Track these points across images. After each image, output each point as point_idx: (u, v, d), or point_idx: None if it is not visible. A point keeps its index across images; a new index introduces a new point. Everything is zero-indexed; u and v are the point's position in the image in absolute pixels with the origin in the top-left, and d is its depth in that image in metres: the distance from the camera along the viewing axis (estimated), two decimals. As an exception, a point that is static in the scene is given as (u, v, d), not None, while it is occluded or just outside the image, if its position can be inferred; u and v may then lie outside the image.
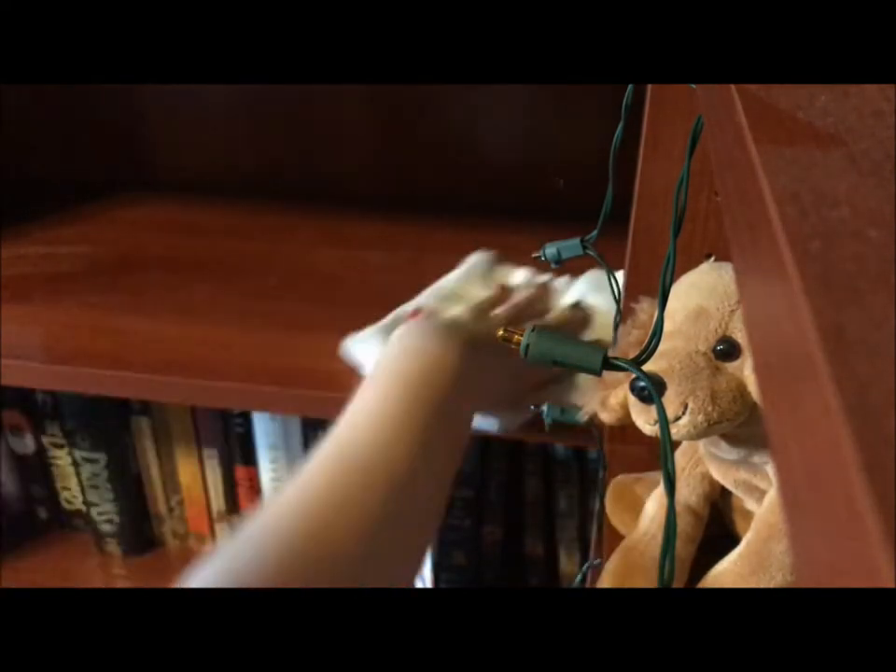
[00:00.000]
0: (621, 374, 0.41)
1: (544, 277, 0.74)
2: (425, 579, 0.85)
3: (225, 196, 0.92)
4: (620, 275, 0.63)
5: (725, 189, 0.22)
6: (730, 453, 0.43)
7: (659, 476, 0.51)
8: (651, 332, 0.31)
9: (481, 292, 0.68)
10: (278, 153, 0.93)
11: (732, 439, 0.42)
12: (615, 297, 0.48)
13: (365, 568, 0.40)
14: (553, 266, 0.49)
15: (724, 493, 0.47)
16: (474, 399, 0.51)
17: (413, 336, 0.50)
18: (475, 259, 0.76)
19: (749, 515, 0.45)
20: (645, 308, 0.45)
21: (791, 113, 0.20)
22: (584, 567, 0.52)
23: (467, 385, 0.49)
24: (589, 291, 0.71)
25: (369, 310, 0.70)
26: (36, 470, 0.94)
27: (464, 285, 0.74)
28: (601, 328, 0.62)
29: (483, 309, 0.59)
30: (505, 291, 0.64)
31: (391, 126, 0.90)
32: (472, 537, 0.87)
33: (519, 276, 0.76)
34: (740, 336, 0.40)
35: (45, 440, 0.91)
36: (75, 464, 0.90)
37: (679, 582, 0.43)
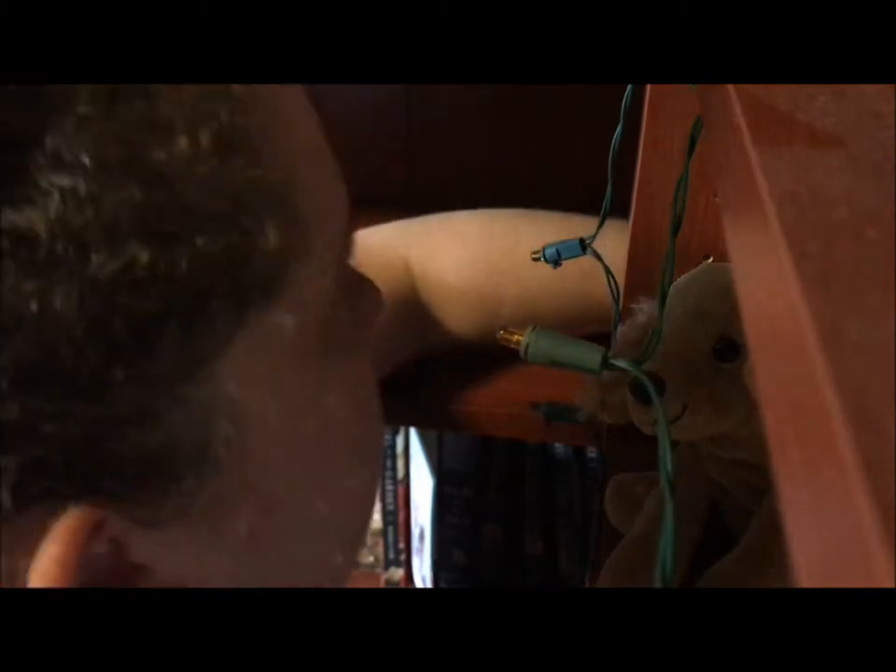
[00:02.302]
0: (620, 374, 0.41)
1: None
2: (425, 578, 0.85)
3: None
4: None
5: (724, 189, 0.22)
6: (729, 452, 0.43)
7: (658, 475, 0.51)
8: (650, 332, 0.31)
9: None
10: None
11: (731, 438, 0.42)
12: (614, 297, 0.48)
13: None
14: (552, 267, 0.49)
15: (724, 492, 0.47)
16: None
17: None
18: None
19: (748, 515, 0.45)
20: (644, 309, 0.45)
21: (789, 114, 0.20)
22: (584, 567, 0.52)
23: None
24: None
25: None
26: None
27: None
28: None
29: None
30: None
31: (392, 125, 0.90)
32: (472, 535, 0.88)
33: None
34: (739, 336, 0.40)
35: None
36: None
37: (678, 582, 0.43)
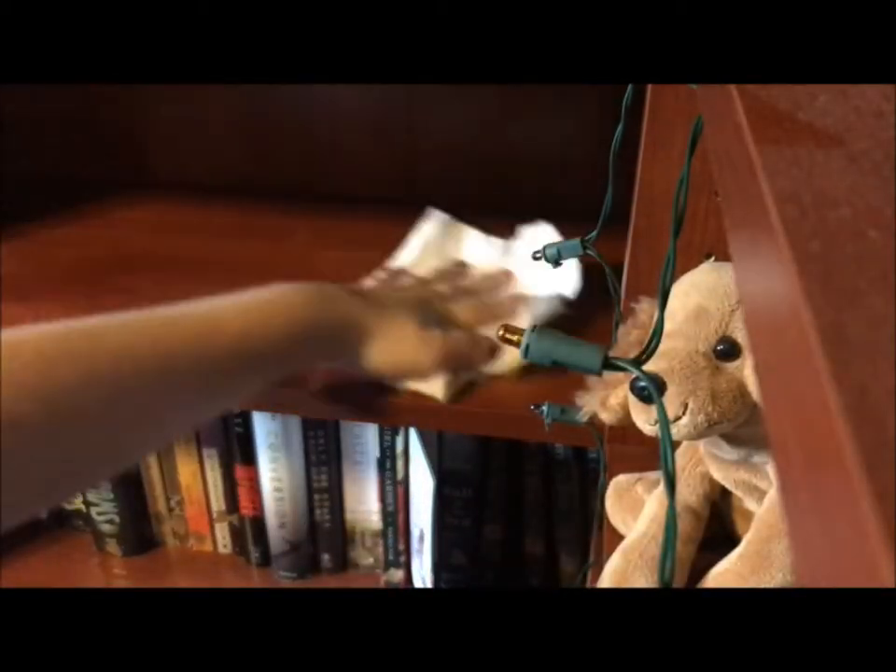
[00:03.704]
0: (621, 374, 0.41)
1: (496, 242, 0.77)
2: (424, 579, 0.85)
3: (225, 196, 0.91)
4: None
5: (725, 189, 0.22)
6: (730, 453, 0.43)
7: (659, 476, 0.51)
8: (651, 332, 0.31)
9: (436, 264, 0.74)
10: (277, 153, 0.93)
11: (732, 439, 0.42)
12: (614, 296, 0.48)
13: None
14: (552, 266, 0.49)
15: (724, 493, 0.47)
16: (317, 356, 0.55)
17: (303, 286, 0.54)
18: (429, 229, 0.78)
19: (749, 515, 0.45)
20: (645, 308, 0.45)
21: (790, 113, 0.20)
22: (584, 568, 0.52)
23: (307, 343, 0.52)
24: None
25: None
26: (36, 470, 0.94)
27: (420, 259, 0.76)
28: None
29: (425, 281, 0.66)
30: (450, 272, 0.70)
31: (391, 126, 0.90)
32: (472, 536, 0.87)
33: (474, 241, 0.78)
34: (740, 336, 0.40)
35: (45, 439, 0.91)
36: (75, 464, 0.90)
37: (679, 582, 0.43)
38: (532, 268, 0.70)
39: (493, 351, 0.61)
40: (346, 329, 0.54)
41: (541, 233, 0.74)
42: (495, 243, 0.77)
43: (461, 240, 0.78)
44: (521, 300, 0.66)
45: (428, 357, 0.57)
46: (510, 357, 0.61)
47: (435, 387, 0.60)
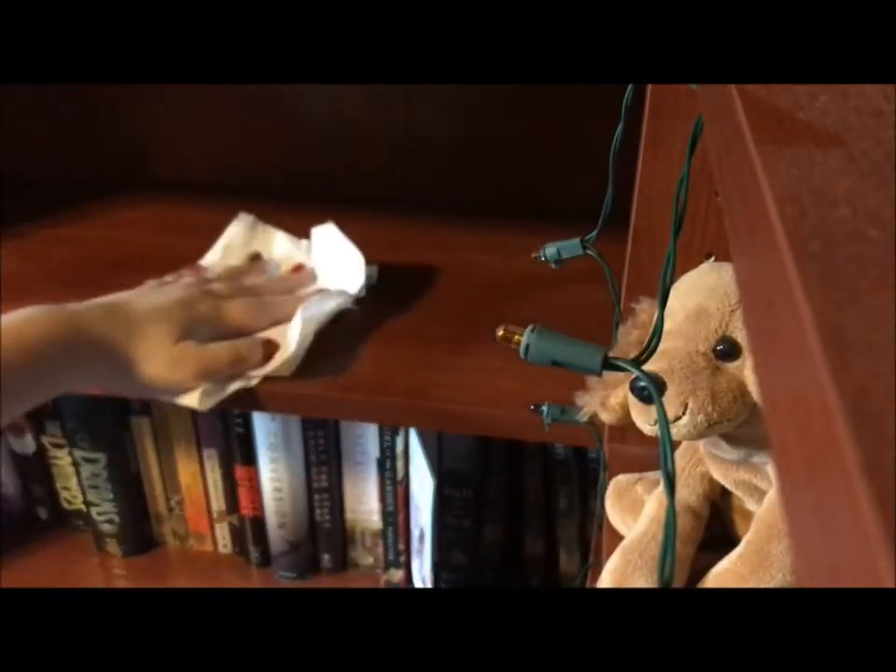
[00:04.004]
0: (621, 374, 0.41)
1: (303, 243, 0.78)
2: (424, 579, 0.85)
3: (225, 196, 0.91)
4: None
5: (725, 189, 0.22)
6: (730, 453, 0.43)
7: (659, 476, 0.51)
8: (651, 332, 0.31)
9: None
10: (277, 153, 0.93)
11: (732, 439, 0.42)
12: (614, 296, 0.48)
13: None
14: (552, 266, 0.49)
15: (724, 493, 0.47)
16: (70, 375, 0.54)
17: (49, 310, 0.53)
18: (234, 230, 0.79)
19: (749, 515, 0.45)
20: (645, 308, 0.45)
21: (791, 113, 0.20)
22: (584, 568, 0.52)
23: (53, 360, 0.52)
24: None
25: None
26: (37, 470, 0.94)
27: (222, 260, 0.77)
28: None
29: (204, 284, 0.66)
30: (233, 270, 0.72)
31: (389, 126, 0.90)
32: (472, 536, 0.87)
33: (280, 242, 0.79)
34: (740, 336, 0.40)
35: (45, 440, 0.91)
36: (75, 464, 0.90)
37: (678, 582, 0.43)
38: (322, 267, 0.74)
39: (264, 353, 0.61)
40: (98, 352, 0.54)
41: (328, 233, 0.75)
42: (300, 244, 0.78)
43: (268, 241, 0.79)
44: (300, 299, 0.67)
45: (182, 373, 0.57)
46: (281, 356, 0.62)
47: (191, 398, 0.59)
